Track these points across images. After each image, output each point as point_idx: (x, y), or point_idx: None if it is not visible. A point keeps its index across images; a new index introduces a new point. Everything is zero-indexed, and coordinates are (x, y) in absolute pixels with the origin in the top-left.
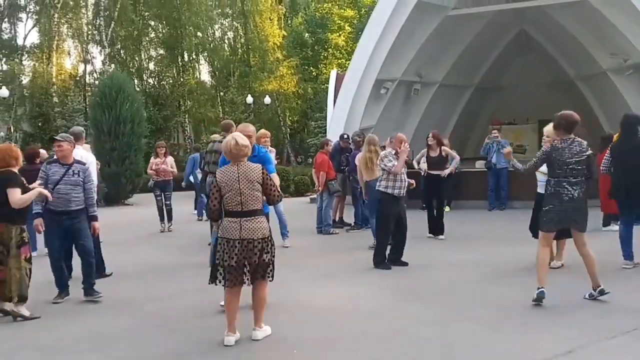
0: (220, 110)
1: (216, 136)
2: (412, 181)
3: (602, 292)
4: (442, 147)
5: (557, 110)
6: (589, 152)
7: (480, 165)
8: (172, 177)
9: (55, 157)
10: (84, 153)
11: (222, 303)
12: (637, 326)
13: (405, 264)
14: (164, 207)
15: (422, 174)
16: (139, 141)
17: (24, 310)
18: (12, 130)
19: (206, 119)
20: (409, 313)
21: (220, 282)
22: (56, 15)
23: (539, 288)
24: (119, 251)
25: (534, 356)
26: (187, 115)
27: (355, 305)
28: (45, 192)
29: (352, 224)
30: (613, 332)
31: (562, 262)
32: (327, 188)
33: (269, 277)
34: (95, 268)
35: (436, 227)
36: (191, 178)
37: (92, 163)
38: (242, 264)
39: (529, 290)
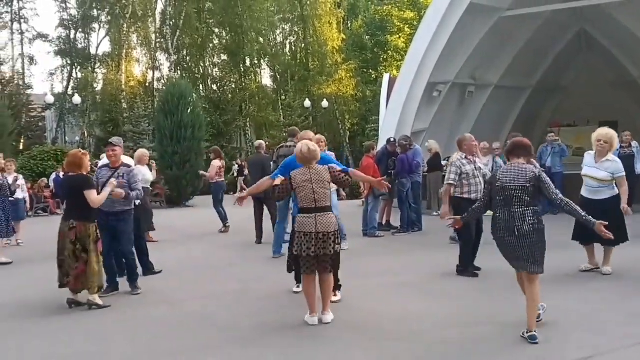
0: (281, 114)
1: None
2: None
3: None
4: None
5: (619, 111)
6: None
7: None
8: (215, 181)
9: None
10: (126, 158)
11: (295, 289)
12: None
13: (479, 268)
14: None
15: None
16: (199, 145)
17: (98, 299)
18: (86, 135)
19: (267, 122)
20: (433, 315)
21: (294, 269)
22: (125, 25)
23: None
24: (173, 249)
25: None
26: (248, 119)
27: (381, 306)
28: (115, 182)
29: (399, 227)
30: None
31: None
32: (373, 191)
33: (337, 268)
34: (137, 266)
35: None
36: None
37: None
38: (319, 254)
39: (560, 297)
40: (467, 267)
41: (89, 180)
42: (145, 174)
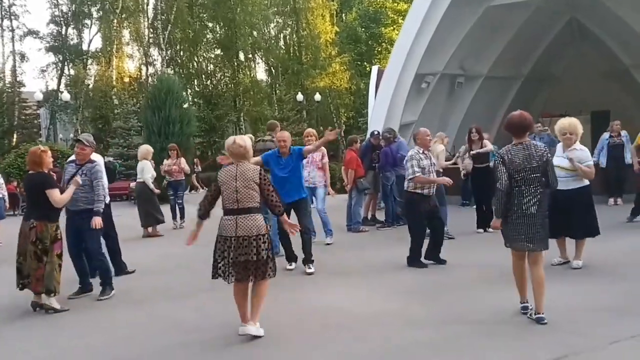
0: (276, 108)
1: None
2: (449, 180)
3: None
4: (484, 141)
5: (611, 101)
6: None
7: None
8: (183, 178)
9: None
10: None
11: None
12: None
13: (444, 261)
14: (176, 205)
15: (462, 174)
16: (187, 141)
17: (54, 302)
18: (79, 132)
19: (262, 117)
20: (408, 314)
21: (220, 276)
22: (115, 21)
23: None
24: (153, 246)
25: None
26: (242, 114)
27: (357, 305)
28: (80, 181)
29: (384, 222)
30: (616, 337)
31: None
32: (356, 185)
33: (269, 274)
34: (107, 267)
35: (486, 221)
36: None
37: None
38: (242, 260)
39: (531, 293)
40: (417, 258)
41: (49, 178)
42: (150, 169)
